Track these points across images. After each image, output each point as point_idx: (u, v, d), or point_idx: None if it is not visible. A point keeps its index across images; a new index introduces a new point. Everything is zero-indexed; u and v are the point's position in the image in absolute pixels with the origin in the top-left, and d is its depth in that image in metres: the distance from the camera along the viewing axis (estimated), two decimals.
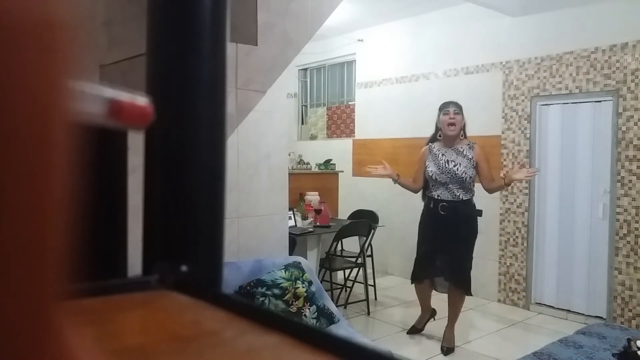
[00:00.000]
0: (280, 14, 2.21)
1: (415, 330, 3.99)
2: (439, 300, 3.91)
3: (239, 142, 3.25)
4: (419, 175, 3.68)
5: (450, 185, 3.49)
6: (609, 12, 4.17)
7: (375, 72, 6.12)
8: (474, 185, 3.55)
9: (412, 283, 3.82)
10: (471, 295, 3.68)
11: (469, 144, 3.54)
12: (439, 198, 3.52)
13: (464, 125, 3.56)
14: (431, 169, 3.55)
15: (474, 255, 3.61)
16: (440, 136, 3.60)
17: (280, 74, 2.27)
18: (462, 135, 3.54)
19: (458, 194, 3.48)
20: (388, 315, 4.54)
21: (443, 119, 3.53)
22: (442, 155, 3.54)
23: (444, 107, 3.56)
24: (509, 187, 4.80)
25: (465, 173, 3.46)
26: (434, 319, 4.02)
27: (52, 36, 0.24)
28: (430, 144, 3.67)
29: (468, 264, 3.57)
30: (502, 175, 3.51)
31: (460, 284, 3.59)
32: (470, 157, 3.48)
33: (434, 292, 3.85)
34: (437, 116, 3.61)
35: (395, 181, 3.67)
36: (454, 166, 3.48)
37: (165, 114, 0.70)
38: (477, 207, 3.62)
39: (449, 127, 3.49)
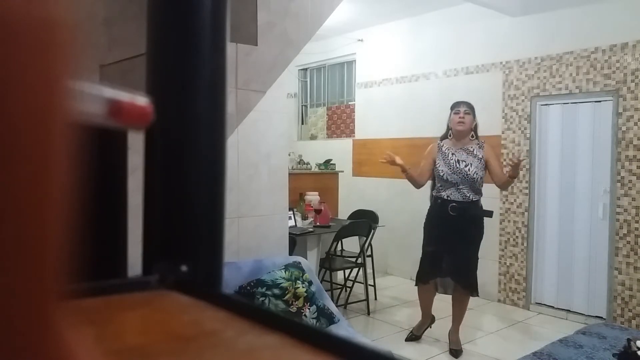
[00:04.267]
0: (280, 14, 2.21)
1: (414, 337, 3.92)
2: (441, 301, 3.90)
3: (239, 142, 3.25)
4: (425, 170, 3.61)
5: (460, 186, 3.46)
6: (609, 12, 4.17)
7: (375, 72, 6.12)
8: (482, 186, 3.53)
9: (416, 285, 3.77)
10: (478, 296, 3.66)
11: (478, 144, 3.52)
12: (449, 198, 3.47)
13: (475, 127, 3.54)
14: (442, 168, 3.50)
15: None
16: (450, 135, 3.58)
17: (280, 74, 2.27)
18: (472, 136, 3.52)
19: (468, 194, 3.45)
20: (388, 315, 4.54)
21: (454, 117, 3.52)
22: (453, 154, 3.51)
23: (455, 107, 3.55)
24: (509, 187, 4.81)
25: (477, 174, 3.44)
26: (431, 327, 4.00)
27: (52, 36, 0.24)
28: (440, 141, 3.65)
29: (474, 265, 3.55)
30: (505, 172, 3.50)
31: (467, 285, 3.57)
32: (480, 156, 3.47)
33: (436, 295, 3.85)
34: (449, 115, 3.59)
35: (404, 172, 3.53)
36: (465, 166, 3.44)
37: (165, 114, 0.70)
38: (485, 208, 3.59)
39: (458, 124, 3.48)
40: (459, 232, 3.46)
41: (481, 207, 3.55)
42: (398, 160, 3.48)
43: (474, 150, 3.48)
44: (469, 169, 3.43)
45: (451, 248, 3.50)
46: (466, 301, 3.68)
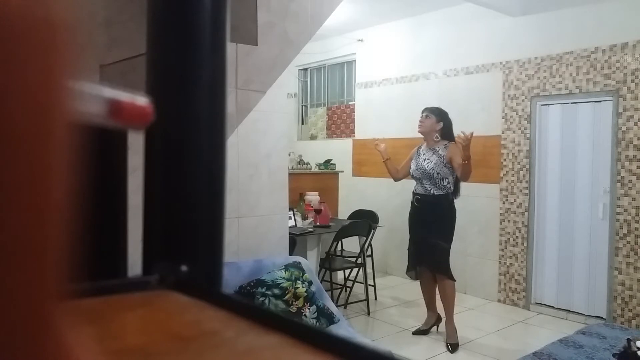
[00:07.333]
0: (280, 14, 2.21)
1: (421, 331, 4.05)
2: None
3: (239, 142, 3.25)
4: (402, 167, 4.04)
5: (423, 181, 3.79)
6: (609, 12, 4.17)
7: (375, 72, 6.12)
8: (448, 182, 3.73)
9: (406, 273, 4.10)
10: (454, 280, 3.81)
11: (445, 145, 3.75)
12: (415, 192, 3.87)
13: (442, 129, 3.78)
14: (412, 166, 3.89)
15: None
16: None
17: (280, 74, 2.27)
18: (436, 137, 3.78)
19: (429, 188, 3.76)
20: (388, 315, 4.54)
21: None
22: (423, 154, 3.84)
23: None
24: (509, 187, 4.82)
25: (433, 169, 3.71)
26: (437, 329, 4.05)
27: (52, 36, 0.24)
28: (420, 145, 3.96)
29: (443, 252, 3.74)
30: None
31: (437, 269, 3.78)
32: (442, 155, 3.72)
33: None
34: None
35: (384, 160, 4.00)
36: (427, 164, 3.75)
37: (165, 114, 0.70)
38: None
39: (418, 127, 3.85)
40: (424, 223, 3.78)
41: (449, 202, 3.75)
42: (380, 147, 3.96)
43: (439, 150, 3.76)
44: (427, 165, 3.75)
45: (421, 237, 3.81)
46: (449, 288, 3.78)
